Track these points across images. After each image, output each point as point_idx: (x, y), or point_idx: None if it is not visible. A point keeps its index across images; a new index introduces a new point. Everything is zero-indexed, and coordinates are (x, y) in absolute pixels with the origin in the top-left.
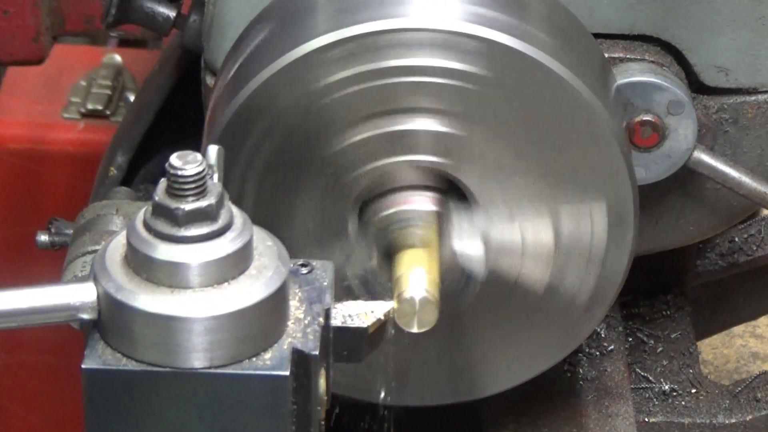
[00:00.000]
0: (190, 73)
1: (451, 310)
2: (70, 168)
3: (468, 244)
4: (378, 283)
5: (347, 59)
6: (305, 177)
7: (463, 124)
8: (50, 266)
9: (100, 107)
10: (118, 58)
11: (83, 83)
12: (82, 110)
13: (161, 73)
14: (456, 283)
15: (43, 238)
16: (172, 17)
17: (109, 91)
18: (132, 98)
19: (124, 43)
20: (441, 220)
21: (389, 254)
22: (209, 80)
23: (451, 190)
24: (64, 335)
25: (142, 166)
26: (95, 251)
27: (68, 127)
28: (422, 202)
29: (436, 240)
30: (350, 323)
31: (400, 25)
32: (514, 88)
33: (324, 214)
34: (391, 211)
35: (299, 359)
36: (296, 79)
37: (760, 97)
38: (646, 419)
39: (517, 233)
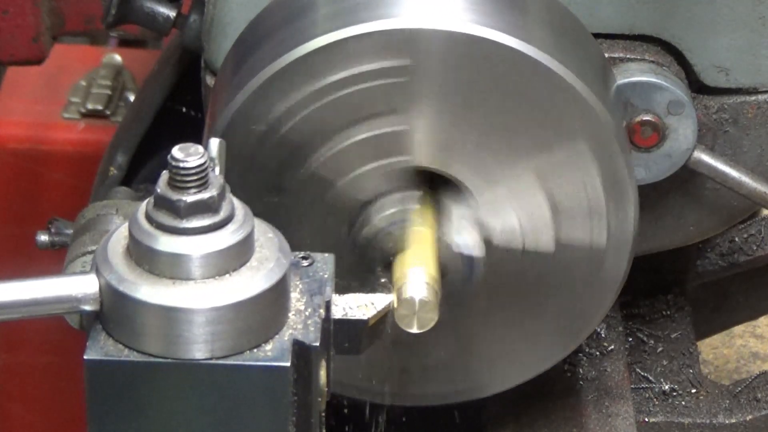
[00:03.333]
0: (190, 73)
1: (453, 308)
2: (70, 168)
3: (465, 235)
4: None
5: (345, 61)
6: (302, 179)
7: (461, 122)
8: (50, 266)
9: (100, 107)
10: (118, 58)
11: (83, 83)
12: (82, 110)
13: (161, 73)
14: (458, 279)
15: (43, 238)
16: (172, 17)
17: (109, 91)
18: (132, 98)
19: (124, 43)
20: (436, 216)
21: (388, 258)
22: (209, 80)
23: (444, 184)
24: (64, 335)
25: (142, 166)
26: (95, 251)
27: (68, 127)
28: (412, 201)
29: (432, 237)
30: (351, 315)
31: (399, 26)
32: (513, 88)
33: (321, 223)
34: (387, 212)
35: (300, 351)
36: (296, 80)
37: (760, 97)
38: (646, 419)
39: (515, 218)
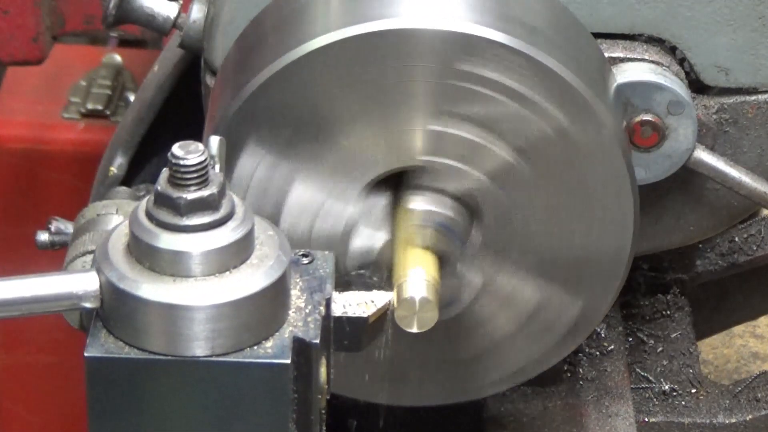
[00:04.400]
0: (190, 73)
1: (450, 310)
2: (70, 168)
3: (468, 271)
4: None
5: (346, 60)
6: (305, 180)
7: (460, 123)
8: (50, 266)
9: (100, 107)
10: (118, 58)
11: (83, 83)
12: (82, 110)
13: (161, 73)
14: (454, 250)
15: (43, 238)
16: (172, 17)
17: (109, 91)
18: (132, 98)
19: (124, 43)
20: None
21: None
22: (209, 80)
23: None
24: (64, 335)
25: (142, 166)
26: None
27: (68, 127)
28: (446, 208)
29: (447, 249)
30: (351, 313)
31: (398, 26)
32: (513, 88)
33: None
34: (419, 208)
35: (300, 348)
36: (297, 79)
37: (760, 97)
38: (646, 419)
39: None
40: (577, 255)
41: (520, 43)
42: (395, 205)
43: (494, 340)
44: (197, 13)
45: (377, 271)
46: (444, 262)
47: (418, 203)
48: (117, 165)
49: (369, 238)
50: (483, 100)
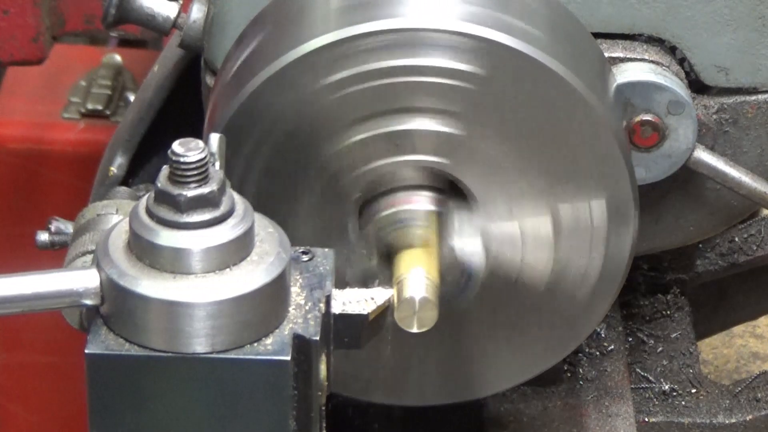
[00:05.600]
0: (190, 73)
1: (451, 310)
2: (70, 168)
3: (467, 241)
4: (378, 282)
5: (346, 60)
6: (304, 179)
7: (462, 123)
8: (50, 266)
9: (100, 107)
10: (118, 58)
11: (83, 83)
12: (82, 110)
13: (161, 73)
14: (457, 282)
15: (43, 237)
16: (172, 17)
17: (109, 91)
18: (132, 98)
19: (124, 43)
20: (441, 219)
21: (389, 255)
22: (209, 80)
23: (450, 189)
24: (64, 335)
25: (142, 166)
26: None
27: (68, 127)
28: (422, 202)
29: (435, 240)
30: (351, 310)
31: (399, 26)
32: (513, 88)
33: (324, 216)
34: (391, 211)
35: (300, 344)
36: (296, 80)
37: (760, 97)
38: (646, 419)
39: (517, 230)
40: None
41: (520, 43)
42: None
43: (496, 339)
44: (197, 13)
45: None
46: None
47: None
48: (117, 165)
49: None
50: (491, 103)
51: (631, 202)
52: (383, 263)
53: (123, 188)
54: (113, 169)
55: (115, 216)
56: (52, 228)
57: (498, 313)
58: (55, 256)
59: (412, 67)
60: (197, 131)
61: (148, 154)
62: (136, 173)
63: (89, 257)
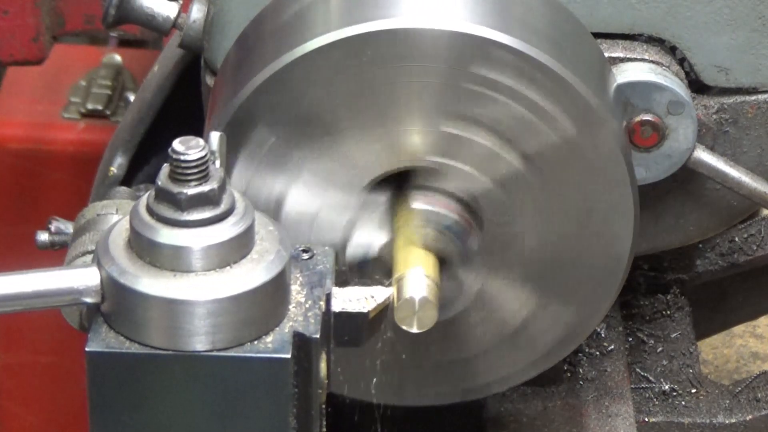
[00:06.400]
0: (190, 73)
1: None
2: (70, 168)
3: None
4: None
5: (347, 59)
6: (305, 177)
7: (470, 126)
8: (50, 266)
9: (100, 107)
10: (118, 58)
11: (83, 83)
12: (82, 110)
13: (161, 73)
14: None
15: (43, 237)
16: (172, 17)
17: (109, 91)
18: (132, 98)
19: (124, 43)
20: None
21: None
22: (209, 80)
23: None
24: (64, 335)
25: (142, 167)
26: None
27: (68, 127)
28: (449, 210)
29: (447, 250)
30: (351, 308)
31: (399, 26)
32: (513, 88)
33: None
34: (422, 208)
35: (300, 342)
36: (296, 80)
37: (760, 97)
38: (646, 419)
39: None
40: (576, 256)
41: (520, 43)
42: (396, 205)
43: (492, 341)
44: (197, 13)
45: (377, 268)
46: (443, 264)
47: (422, 203)
48: (117, 165)
49: (369, 236)
50: (491, 103)
51: (631, 202)
52: (385, 245)
53: (123, 188)
54: (113, 169)
55: (115, 216)
56: (52, 228)
57: (498, 312)
58: (55, 256)
59: (409, 68)
60: (197, 131)
61: (148, 154)
62: (136, 173)
63: (89, 257)
